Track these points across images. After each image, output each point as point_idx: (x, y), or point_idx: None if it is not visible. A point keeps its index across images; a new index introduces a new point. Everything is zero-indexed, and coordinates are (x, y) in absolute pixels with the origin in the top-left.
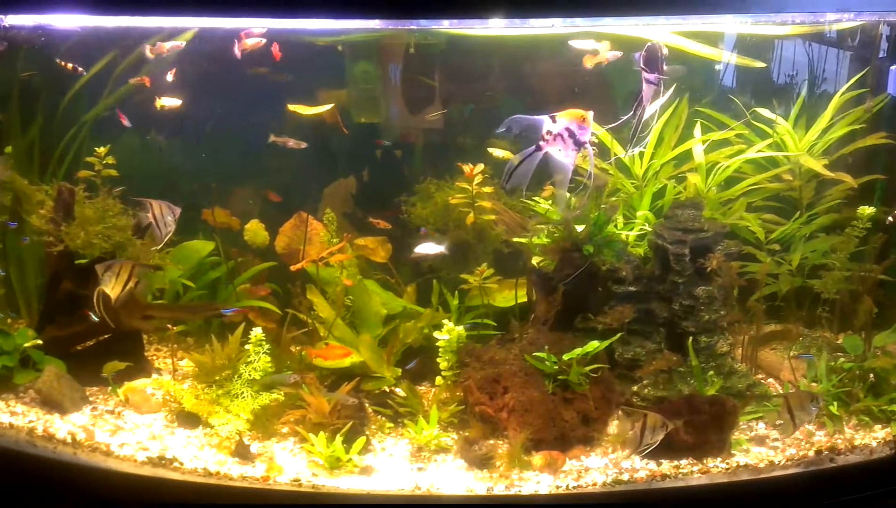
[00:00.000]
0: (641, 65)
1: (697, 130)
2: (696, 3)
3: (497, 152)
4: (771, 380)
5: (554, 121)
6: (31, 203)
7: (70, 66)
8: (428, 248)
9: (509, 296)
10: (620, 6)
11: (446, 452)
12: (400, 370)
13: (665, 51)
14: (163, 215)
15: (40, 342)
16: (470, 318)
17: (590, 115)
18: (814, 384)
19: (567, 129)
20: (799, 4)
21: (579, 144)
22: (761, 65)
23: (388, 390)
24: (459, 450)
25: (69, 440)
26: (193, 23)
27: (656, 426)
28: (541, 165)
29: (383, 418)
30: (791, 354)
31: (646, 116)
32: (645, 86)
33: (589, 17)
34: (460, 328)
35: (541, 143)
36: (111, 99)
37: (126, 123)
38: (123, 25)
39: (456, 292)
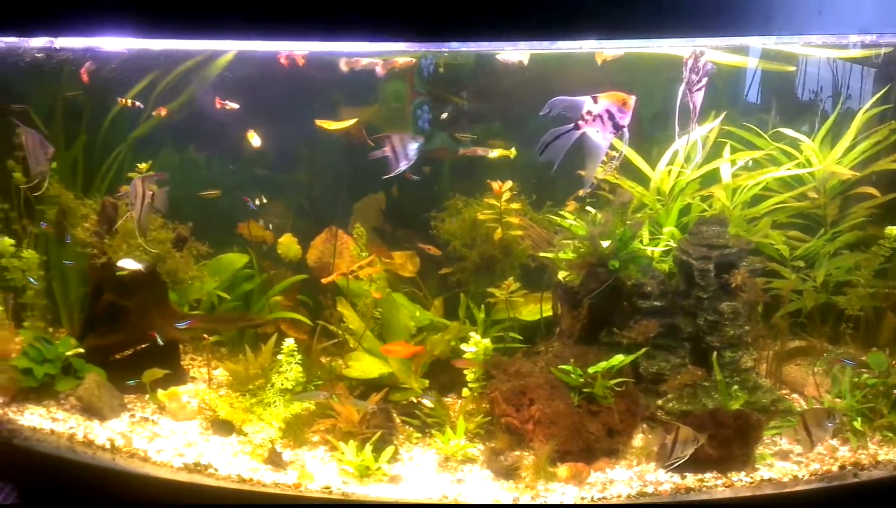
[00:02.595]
0: (687, 73)
1: (727, 150)
2: (720, 25)
3: (492, 154)
4: (795, 395)
5: (595, 102)
6: (76, 217)
7: (131, 102)
8: (128, 264)
9: (535, 310)
10: (647, 29)
11: (473, 462)
12: (427, 381)
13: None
14: (404, 146)
15: (82, 350)
16: (496, 331)
17: (631, 99)
18: (838, 400)
19: (607, 110)
20: (821, 26)
21: (618, 128)
22: (791, 69)
23: (415, 400)
24: (486, 461)
25: (108, 446)
26: (234, 46)
27: (688, 439)
28: (572, 152)
29: (411, 428)
30: (828, 362)
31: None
32: (694, 94)
33: (615, 40)
34: (487, 341)
35: (580, 122)
36: (154, 120)
37: None
38: (167, 48)
39: (482, 305)
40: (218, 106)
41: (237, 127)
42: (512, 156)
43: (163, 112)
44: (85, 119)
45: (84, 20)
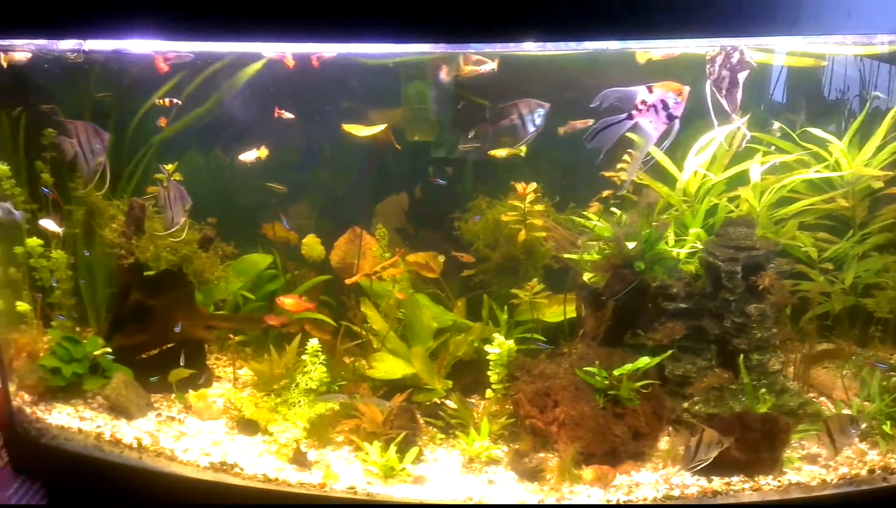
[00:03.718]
0: (717, 69)
1: (758, 155)
2: (748, 25)
3: (499, 153)
4: (823, 399)
5: (650, 91)
6: (104, 217)
7: (168, 101)
8: (48, 224)
9: (558, 311)
10: (675, 30)
11: (497, 464)
12: (451, 382)
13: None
14: (531, 112)
15: (109, 349)
16: (519, 332)
17: (686, 89)
18: (867, 404)
19: (662, 100)
20: (851, 26)
21: (671, 118)
22: (823, 63)
23: (438, 401)
24: (510, 462)
25: (135, 444)
26: (262, 49)
27: (712, 442)
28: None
29: (435, 429)
30: (856, 365)
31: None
32: (733, 85)
33: (642, 40)
34: (511, 342)
35: (633, 112)
36: (182, 122)
37: None
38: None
39: (505, 306)
40: (276, 115)
41: (263, 129)
42: (522, 154)
43: (162, 123)
44: (112, 119)
45: (113, 22)
